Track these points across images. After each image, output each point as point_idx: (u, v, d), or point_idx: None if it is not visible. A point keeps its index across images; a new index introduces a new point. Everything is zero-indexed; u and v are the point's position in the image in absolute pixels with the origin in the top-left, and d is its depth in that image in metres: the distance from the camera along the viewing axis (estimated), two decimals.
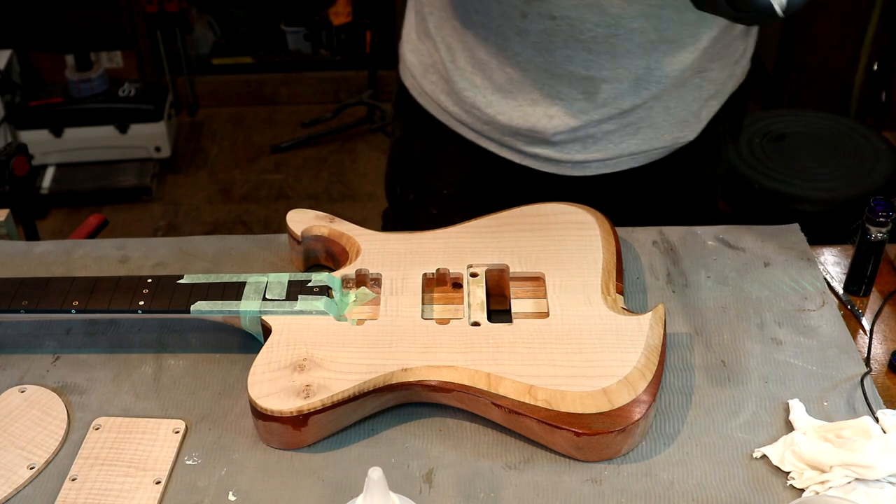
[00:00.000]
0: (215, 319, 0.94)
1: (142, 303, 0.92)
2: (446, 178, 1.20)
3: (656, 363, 0.86)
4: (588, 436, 0.81)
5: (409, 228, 1.05)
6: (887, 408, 0.87)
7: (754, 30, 1.12)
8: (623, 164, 1.12)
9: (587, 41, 1.00)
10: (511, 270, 0.97)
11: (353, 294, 0.96)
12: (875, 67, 2.65)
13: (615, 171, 1.12)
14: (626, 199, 1.14)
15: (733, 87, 1.14)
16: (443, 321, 0.91)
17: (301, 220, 1.03)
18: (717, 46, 1.06)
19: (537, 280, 0.97)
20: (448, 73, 1.11)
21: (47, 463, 0.85)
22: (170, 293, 0.93)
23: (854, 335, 0.97)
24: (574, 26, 1.00)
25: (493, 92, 1.09)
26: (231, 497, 0.81)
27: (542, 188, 1.13)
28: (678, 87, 1.07)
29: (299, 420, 0.82)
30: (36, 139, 2.84)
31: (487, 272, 0.97)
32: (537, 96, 1.06)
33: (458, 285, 0.97)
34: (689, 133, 1.11)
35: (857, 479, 0.79)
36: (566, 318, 0.91)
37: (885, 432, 0.83)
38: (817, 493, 0.79)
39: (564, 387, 0.83)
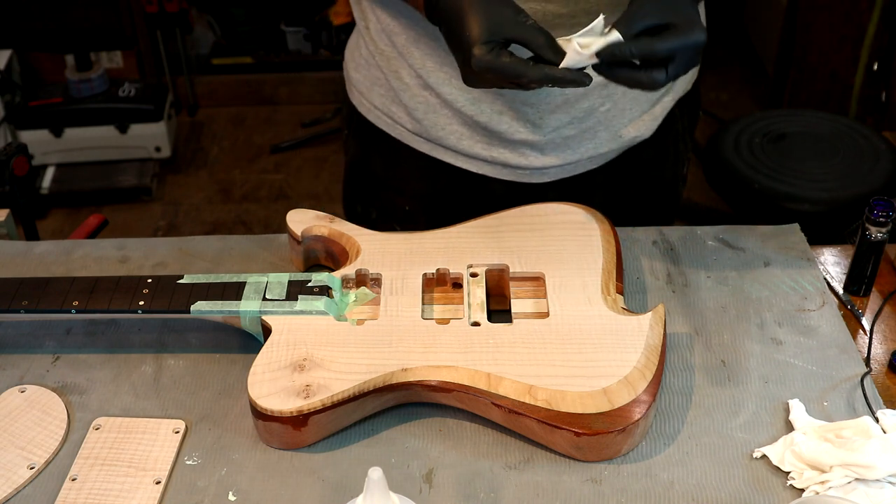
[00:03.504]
0: (215, 319, 0.94)
1: (142, 303, 0.92)
2: (407, 194, 1.18)
3: (656, 363, 0.86)
4: (588, 436, 0.81)
5: None
6: (887, 408, 0.87)
7: None
8: (581, 168, 1.11)
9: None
10: (511, 270, 0.97)
11: (353, 294, 0.96)
12: (875, 67, 2.65)
13: (573, 174, 1.11)
14: (585, 202, 1.12)
15: (686, 85, 1.14)
16: (443, 321, 0.91)
17: (301, 220, 1.03)
18: None
19: (537, 280, 0.97)
20: (394, 89, 1.09)
21: (47, 463, 0.85)
22: (170, 293, 0.93)
23: (854, 335, 0.97)
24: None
25: (443, 106, 1.07)
26: (231, 497, 0.81)
27: (503, 198, 1.10)
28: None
29: (299, 420, 0.82)
30: (36, 139, 2.84)
31: (487, 272, 0.97)
32: (488, 110, 1.05)
33: (458, 285, 0.97)
34: (646, 131, 1.10)
35: (857, 479, 0.79)
36: (566, 318, 0.91)
37: (885, 432, 0.83)
38: (817, 493, 0.79)
39: (564, 387, 0.83)
